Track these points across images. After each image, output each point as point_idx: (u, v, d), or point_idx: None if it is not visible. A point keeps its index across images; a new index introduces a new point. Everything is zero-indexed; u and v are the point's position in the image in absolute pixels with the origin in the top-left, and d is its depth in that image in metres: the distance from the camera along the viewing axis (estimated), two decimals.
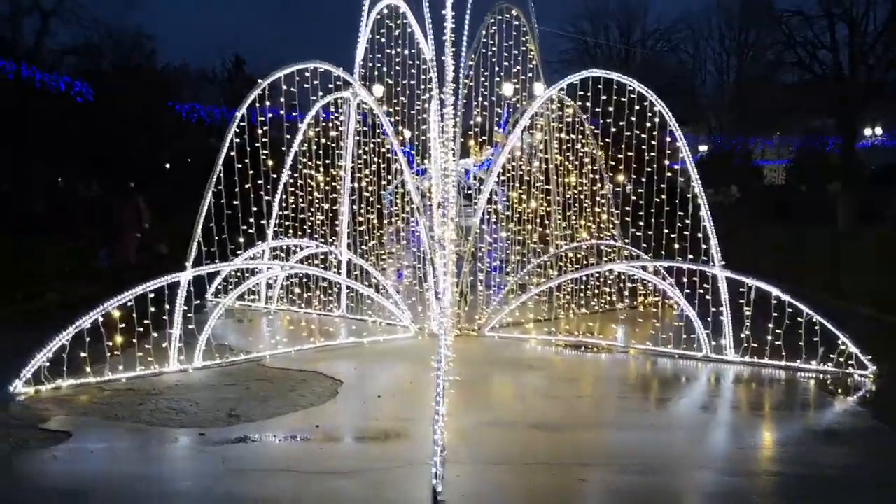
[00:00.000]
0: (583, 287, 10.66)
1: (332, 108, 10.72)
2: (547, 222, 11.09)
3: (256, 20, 77.24)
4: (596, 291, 10.72)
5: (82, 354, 6.96)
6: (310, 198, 10.88)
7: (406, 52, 10.09)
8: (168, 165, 30.97)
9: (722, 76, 42.60)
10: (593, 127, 10.78)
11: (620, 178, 10.86)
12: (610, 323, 9.78)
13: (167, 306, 7.62)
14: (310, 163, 10.75)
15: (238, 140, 8.82)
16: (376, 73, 10.51)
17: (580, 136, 10.79)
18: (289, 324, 9.79)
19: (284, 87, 9.24)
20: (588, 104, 9.83)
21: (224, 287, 10.50)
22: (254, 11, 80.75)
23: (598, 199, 11.06)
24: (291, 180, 10.81)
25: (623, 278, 10.73)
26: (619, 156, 10.01)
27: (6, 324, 9.96)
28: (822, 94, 36.10)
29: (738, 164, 36.49)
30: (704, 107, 40.96)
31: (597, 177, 11.01)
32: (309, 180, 10.83)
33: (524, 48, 10.94)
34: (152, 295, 7.48)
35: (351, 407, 6.65)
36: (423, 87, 10.09)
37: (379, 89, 10.52)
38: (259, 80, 9.05)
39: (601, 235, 11.08)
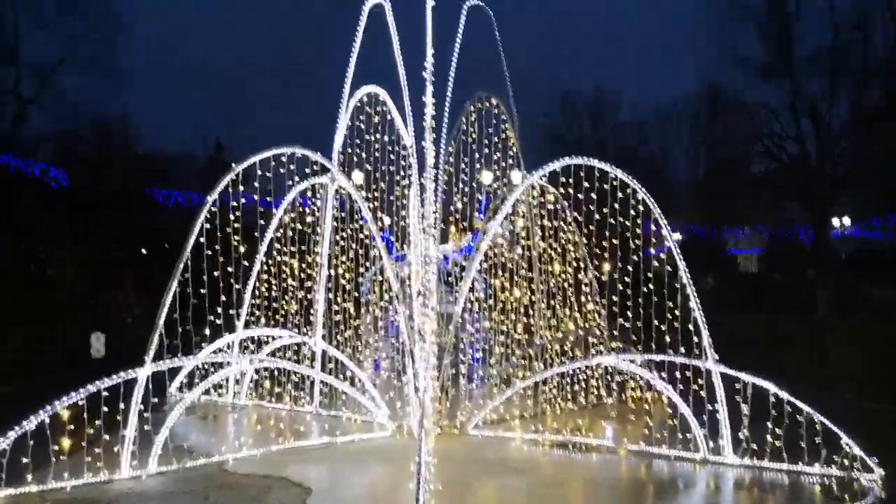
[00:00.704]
0: (570, 381, 10.18)
1: (310, 194, 10.47)
2: (531, 312, 10.71)
3: (238, 107, 78.43)
4: (584, 385, 10.24)
5: (24, 460, 6.29)
6: (284, 285, 10.46)
7: (385, 137, 9.98)
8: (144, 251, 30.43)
9: (692, 167, 43.88)
10: (575, 214, 10.61)
11: (606, 266, 10.60)
12: (599, 419, 9.26)
13: (122, 405, 7.00)
14: (285, 249, 10.40)
15: (209, 226, 8.45)
16: (355, 158, 10.34)
17: (562, 224, 10.60)
18: (256, 421, 9.14)
19: (260, 173, 8.99)
20: (570, 191, 9.69)
21: (189, 381, 9.86)
22: (236, 98, 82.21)
23: (582, 287, 10.76)
24: (265, 267, 10.42)
25: (612, 371, 10.28)
26: (604, 243, 9.79)
27: None
28: (791, 182, 37.20)
29: (713, 253, 36.93)
30: (676, 197, 41.84)
31: (581, 265, 10.75)
32: (284, 267, 10.44)
33: (503, 136, 10.90)
34: (106, 393, 6.87)
35: None
36: (402, 172, 9.91)
37: (359, 176, 10.32)
38: (233, 165, 8.79)
39: (587, 325, 10.70)
